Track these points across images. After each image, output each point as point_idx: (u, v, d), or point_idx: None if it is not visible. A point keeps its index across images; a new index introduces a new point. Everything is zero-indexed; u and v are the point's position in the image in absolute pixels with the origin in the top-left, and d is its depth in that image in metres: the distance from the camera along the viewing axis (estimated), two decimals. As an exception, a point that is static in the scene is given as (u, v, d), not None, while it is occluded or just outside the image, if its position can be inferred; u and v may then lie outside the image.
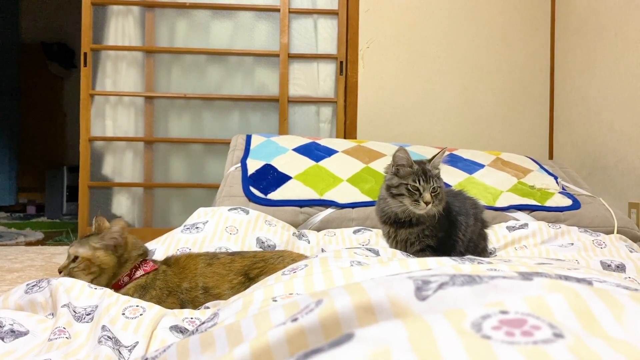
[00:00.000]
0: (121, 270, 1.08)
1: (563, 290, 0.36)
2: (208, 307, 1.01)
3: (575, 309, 0.35)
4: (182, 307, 1.08)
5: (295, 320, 0.38)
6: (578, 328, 0.33)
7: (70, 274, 1.02)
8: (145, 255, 1.13)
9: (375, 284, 0.40)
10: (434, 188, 1.15)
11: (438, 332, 0.32)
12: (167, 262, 1.15)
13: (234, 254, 1.17)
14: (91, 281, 1.03)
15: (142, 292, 1.06)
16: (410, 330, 0.32)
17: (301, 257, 1.16)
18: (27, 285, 0.91)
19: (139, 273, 1.08)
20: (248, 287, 1.08)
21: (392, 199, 1.19)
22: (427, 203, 1.15)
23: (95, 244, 1.06)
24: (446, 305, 0.37)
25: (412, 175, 1.16)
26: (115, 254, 1.07)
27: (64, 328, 0.79)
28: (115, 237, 1.07)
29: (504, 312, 0.34)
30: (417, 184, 1.16)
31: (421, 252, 1.19)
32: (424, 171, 1.17)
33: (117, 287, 1.06)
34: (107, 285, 1.04)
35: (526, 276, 0.40)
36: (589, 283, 0.46)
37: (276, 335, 0.37)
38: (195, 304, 1.08)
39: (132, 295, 1.06)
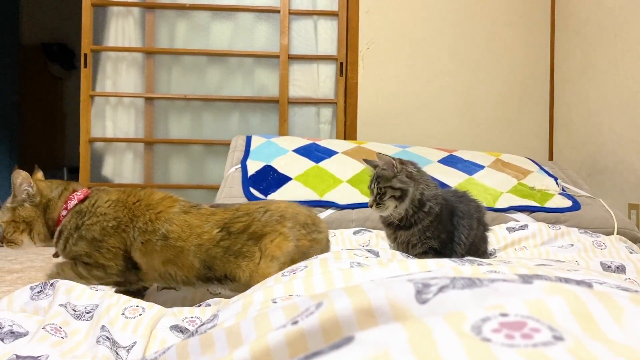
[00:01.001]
0: (54, 211, 1.07)
1: (563, 293, 0.36)
2: (209, 305, 1.01)
3: (575, 312, 0.35)
4: (125, 254, 1.03)
5: (295, 323, 0.38)
6: (578, 331, 0.33)
7: (7, 241, 1.04)
8: (69, 189, 1.10)
9: (375, 286, 0.40)
10: (379, 189, 1.19)
11: (438, 335, 0.32)
12: (125, 191, 1.09)
13: (217, 205, 1.10)
14: (30, 235, 1.05)
15: (79, 218, 1.03)
16: (410, 333, 0.32)
17: (290, 206, 1.10)
18: (32, 289, 0.90)
19: (72, 203, 1.06)
20: (229, 243, 1.03)
21: None
22: (370, 206, 1.21)
23: (10, 204, 1.07)
24: (446, 308, 0.37)
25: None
26: (33, 204, 1.06)
27: (60, 327, 0.79)
28: (25, 189, 1.07)
29: (504, 315, 0.34)
30: (369, 188, 1.24)
31: (424, 254, 1.19)
32: (376, 174, 1.23)
33: (59, 223, 1.06)
34: (54, 231, 1.06)
35: (526, 279, 0.40)
36: (589, 285, 0.46)
37: (276, 338, 0.37)
38: (143, 255, 1.02)
39: (68, 223, 1.04)
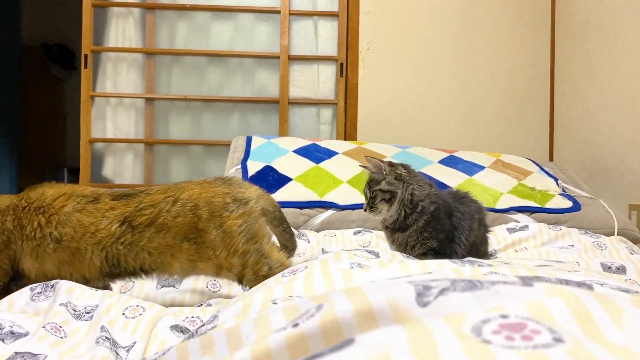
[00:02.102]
0: None
1: (563, 294, 0.36)
2: (210, 305, 1.01)
3: (575, 314, 0.35)
4: (13, 271, 0.94)
5: (296, 325, 0.38)
6: (578, 332, 0.33)
7: None
8: None
9: (376, 288, 0.40)
10: (371, 192, 1.21)
11: (438, 336, 0.32)
12: (20, 195, 1.00)
13: (124, 195, 1.02)
14: None
15: None
16: (411, 334, 0.32)
17: (203, 190, 1.02)
18: (32, 290, 0.90)
19: None
20: (134, 237, 0.97)
21: None
22: (364, 209, 1.24)
23: None
24: (447, 311, 0.37)
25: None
26: None
27: (60, 326, 0.79)
28: None
29: (504, 316, 0.34)
30: (364, 192, 1.25)
31: (423, 255, 1.19)
32: (368, 178, 1.25)
33: None
34: None
35: (527, 281, 0.40)
36: (590, 287, 0.46)
37: (277, 340, 0.37)
38: (34, 261, 0.93)
39: None
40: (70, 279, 0.98)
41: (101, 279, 1.00)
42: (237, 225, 1.00)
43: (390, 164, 1.23)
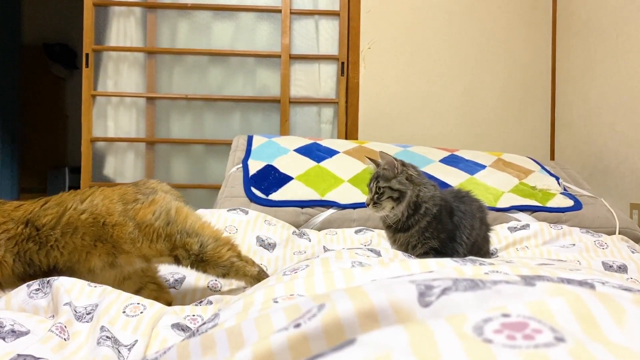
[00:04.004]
0: None
1: (565, 294, 0.36)
2: (211, 303, 1.01)
3: (576, 313, 0.35)
4: None
5: (298, 325, 0.38)
6: (579, 332, 0.33)
7: None
8: None
9: (378, 288, 0.40)
10: (378, 188, 1.19)
11: (439, 336, 0.32)
12: None
13: (37, 201, 1.00)
14: None
15: None
16: (412, 334, 0.32)
17: (118, 187, 1.02)
18: (29, 287, 0.90)
19: None
20: (33, 241, 0.95)
21: None
22: (367, 204, 1.21)
23: None
24: (449, 311, 0.37)
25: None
26: None
27: (65, 327, 0.79)
28: None
29: (505, 316, 0.34)
30: (368, 186, 1.23)
31: (425, 254, 1.19)
32: (376, 173, 1.22)
33: None
34: None
35: (528, 280, 0.40)
36: (591, 286, 0.46)
37: (279, 340, 0.37)
38: None
39: None
40: None
41: (16, 281, 0.98)
42: (151, 213, 1.01)
43: (403, 164, 1.22)
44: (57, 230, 0.96)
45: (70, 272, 1.01)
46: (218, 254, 1.04)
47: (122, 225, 0.99)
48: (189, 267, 1.05)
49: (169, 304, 1.11)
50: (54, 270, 1.00)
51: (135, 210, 1.01)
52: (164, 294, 1.14)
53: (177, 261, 1.04)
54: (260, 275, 1.10)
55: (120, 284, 1.09)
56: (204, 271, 1.05)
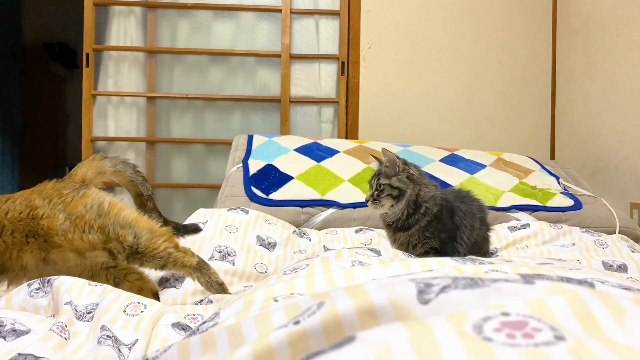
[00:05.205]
0: None
1: (565, 293, 0.36)
2: (211, 302, 1.01)
3: (576, 312, 0.35)
4: None
5: (297, 322, 0.38)
6: (579, 331, 0.33)
7: None
8: None
9: (377, 286, 0.40)
10: (378, 185, 1.19)
11: (439, 334, 0.32)
12: None
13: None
14: None
15: None
16: (411, 332, 0.32)
17: (47, 183, 1.03)
18: (29, 286, 0.90)
19: None
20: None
21: None
22: (367, 200, 1.21)
23: None
24: (448, 309, 0.37)
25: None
26: None
27: (65, 326, 0.79)
28: None
29: (505, 314, 0.34)
30: (370, 183, 1.23)
31: (425, 254, 1.19)
32: (378, 170, 1.22)
33: None
34: None
35: (528, 279, 0.40)
36: (591, 285, 0.46)
37: (278, 337, 0.37)
38: None
39: None
40: None
41: None
42: (82, 205, 1.02)
43: (405, 162, 1.22)
44: (15, 231, 0.97)
45: (2, 270, 1.01)
46: (153, 245, 1.03)
47: (52, 217, 0.99)
48: (125, 261, 1.03)
49: (155, 293, 1.11)
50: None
51: (66, 202, 1.01)
52: (146, 283, 1.13)
53: (112, 255, 1.03)
54: (200, 265, 1.08)
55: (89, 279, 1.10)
56: (141, 264, 1.04)
